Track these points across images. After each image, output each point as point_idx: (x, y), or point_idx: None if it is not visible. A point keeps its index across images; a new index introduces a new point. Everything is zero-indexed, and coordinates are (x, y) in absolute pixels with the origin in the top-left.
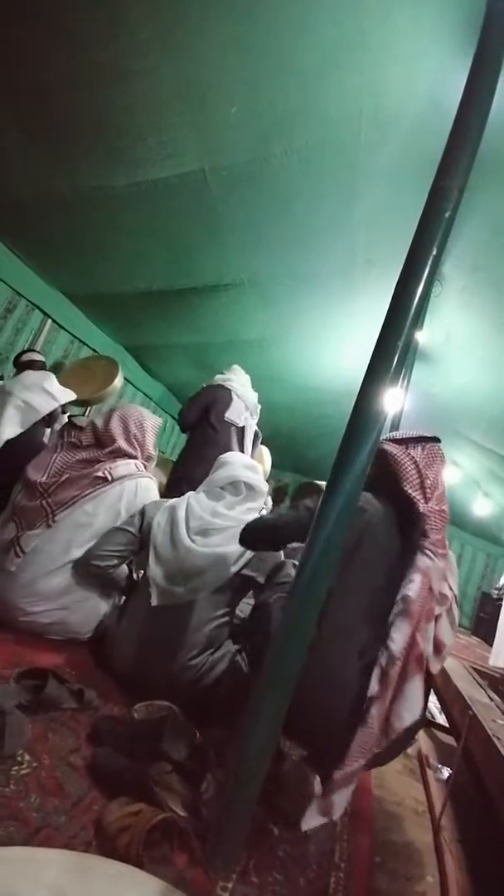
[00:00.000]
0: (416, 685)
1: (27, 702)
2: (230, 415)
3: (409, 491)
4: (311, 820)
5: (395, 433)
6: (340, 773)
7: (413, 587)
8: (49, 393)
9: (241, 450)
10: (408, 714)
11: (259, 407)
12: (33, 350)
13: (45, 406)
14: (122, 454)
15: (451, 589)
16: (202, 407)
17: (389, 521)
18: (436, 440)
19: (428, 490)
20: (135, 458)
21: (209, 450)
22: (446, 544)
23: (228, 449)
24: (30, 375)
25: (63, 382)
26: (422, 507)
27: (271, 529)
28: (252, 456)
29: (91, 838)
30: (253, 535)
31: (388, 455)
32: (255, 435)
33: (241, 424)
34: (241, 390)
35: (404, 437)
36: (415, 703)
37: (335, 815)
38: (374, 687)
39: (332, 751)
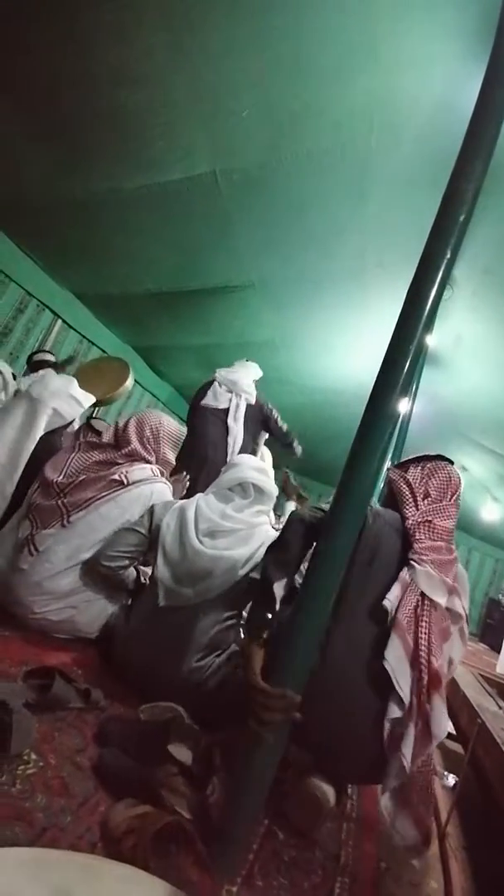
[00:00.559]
0: (437, 703)
1: (34, 701)
2: (206, 401)
3: (402, 508)
4: (394, 780)
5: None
6: (390, 805)
7: (391, 596)
8: (76, 399)
9: (226, 428)
10: (439, 731)
11: (246, 385)
12: (45, 350)
13: (71, 413)
14: (137, 457)
15: (462, 607)
16: (190, 405)
17: (396, 538)
18: (439, 458)
19: (418, 503)
20: (150, 462)
21: (187, 437)
22: (442, 550)
23: (203, 431)
24: (54, 380)
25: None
26: (410, 520)
27: (260, 591)
28: (254, 429)
29: (97, 839)
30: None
31: (390, 481)
32: (259, 409)
33: (222, 406)
34: (222, 374)
35: (407, 459)
36: (441, 722)
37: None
38: (393, 710)
39: (346, 762)
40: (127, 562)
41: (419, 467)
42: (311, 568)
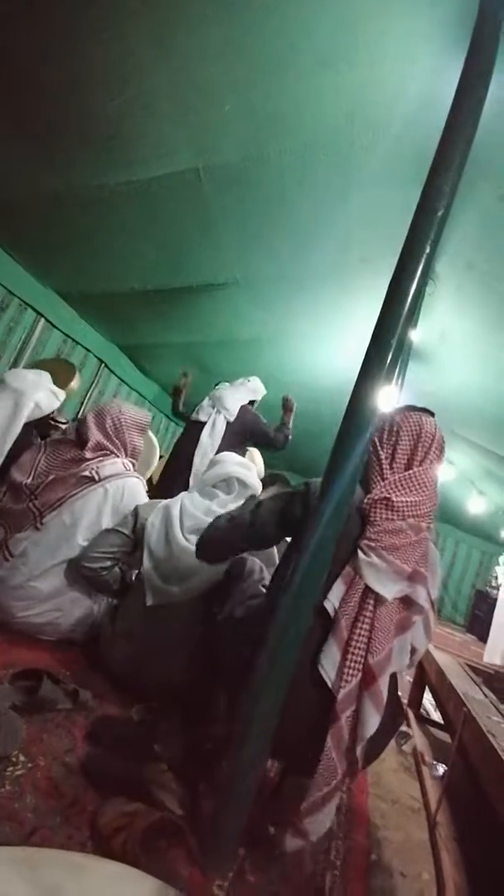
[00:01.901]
0: (367, 704)
1: (21, 703)
2: (195, 415)
3: (370, 482)
4: (292, 844)
5: None
6: (307, 802)
7: (332, 595)
8: (54, 393)
9: (199, 438)
10: (366, 731)
11: (228, 402)
12: None
13: (49, 406)
14: (104, 451)
15: (426, 595)
16: None
17: (357, 521)
18: (418, 410)
19: (384, 473)
20: (118, 455)
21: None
22: (403, 532)
23: (189, 443)
24: (30, 373)
25: None
26: (368, 498)
27: (217, 543)
28: (233, 440)
29: (87, 838)
30: (205, 551)
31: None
32: (241, 424)
33: (202, 419)
34: (216, 390)
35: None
36: (369, 720)
37: (313, 837)
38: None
39: (304, 763)
40: (110, 563)
41: (391, 423)
42: (292, 573)
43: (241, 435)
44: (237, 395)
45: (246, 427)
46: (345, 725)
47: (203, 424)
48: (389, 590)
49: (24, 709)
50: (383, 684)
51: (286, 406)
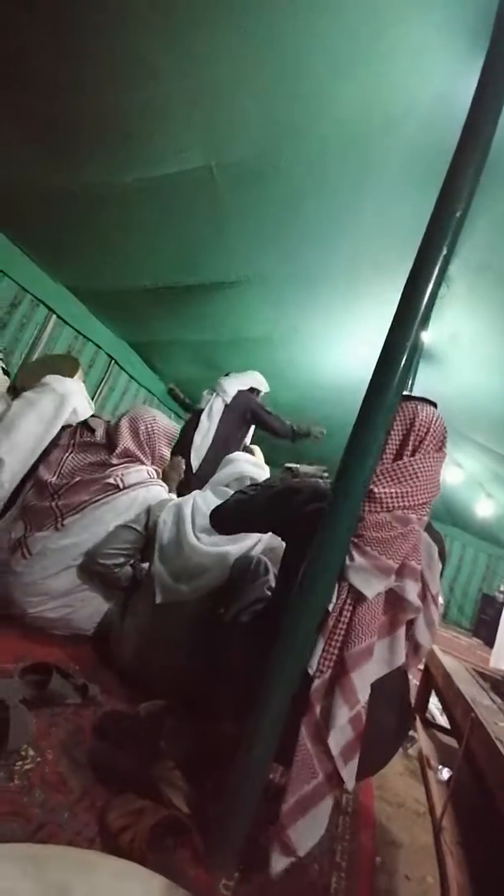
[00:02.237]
0: (336, 696)
1: (31, 697)
2: (198, 405)
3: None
4: (278, 863)
5: None
6: (286, 805)
7: (333, 597)
8: (89, 401)
9: (197, 425)
10: (332, 722)
11: (227, 386)
12: None
13: (84, 414)
14: (131, 457)
15: (429, 589)
16: None
17: None
18: (407, 397)
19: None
20: (144, 462)
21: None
22: (388, 525)
23: (191, 429)
24: (69, 380)
25: (26, 381)
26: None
27: (227, 513)
28: (233, 422)
29: (94, 835)
30: (222, 519)
31: None
32: (242, 403)
33: (202, 406)
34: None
35: None
36: (336, 712)
37: (301, 851)
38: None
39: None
40: (123, 559)
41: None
42: (296, 566)
43: (241, 418)
44: (236, 381)
45: (245, 409)
46: (319, 716)
47: (201, 411)
48: (373, 588)
49: (34, 703)
50: (358, 679)
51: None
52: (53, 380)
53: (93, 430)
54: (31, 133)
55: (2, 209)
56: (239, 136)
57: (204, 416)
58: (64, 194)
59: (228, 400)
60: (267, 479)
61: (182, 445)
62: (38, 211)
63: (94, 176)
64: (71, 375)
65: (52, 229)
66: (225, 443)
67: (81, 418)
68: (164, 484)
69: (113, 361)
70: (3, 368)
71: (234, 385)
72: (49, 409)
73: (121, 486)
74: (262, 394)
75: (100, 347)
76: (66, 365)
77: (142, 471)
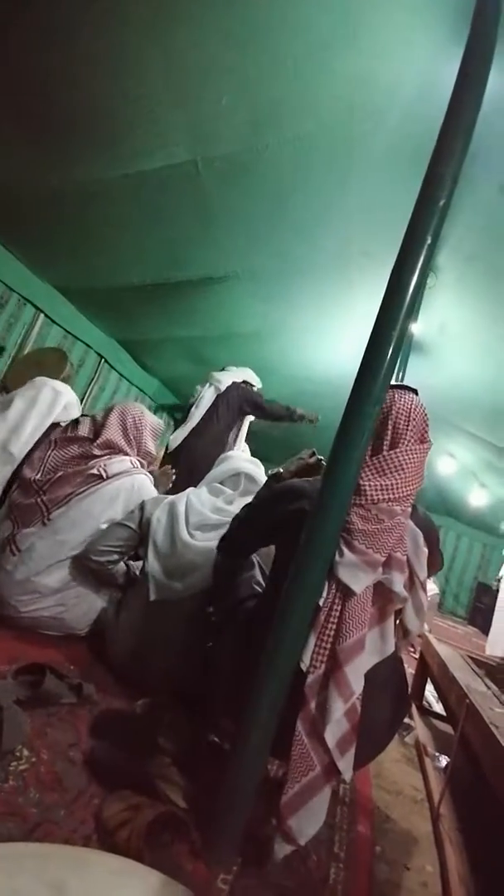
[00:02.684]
0: (332, 690)
1: (25, 697)
2: (190, 401)
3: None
4: (280, 850)
5: None
6: (286, 796)
7: (323, 592)
8: (77, 401)
9: (187, 417)
10: (328, 717)
11: (220, 376)
12: None
13: (74, 413)
14: (115, 449)
15: (416, 575)
16: None
17: None
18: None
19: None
20: (128, 454)
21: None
22: (375, 518)
23: (183, 429)
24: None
25: (17, 379)
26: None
27: (239, 539)
28: (229, 412)
29: (91, 832)
30: (229, 548)
31: None
32: (235, 391)
33: (191, 402)
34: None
35: None
36: (331, 706)
37: (301, 840)
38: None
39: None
40: (116, 556)
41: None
42: (288, 561)
43: (236, 407)
44: (229, 374)
45: (241, 400)
46: (314, 710)
47: (190, 405)
48: (361, 583)
49: (28, 703)
50: (351, 672)
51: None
52: (45, 379)
53: (76, 425)
54: (15, 130)
55: None
56: (223, 127)
57: (194, 407)
58: (50, 192)
59: (221, 388)
60: (256, 494)
61: (177, 449)
62: (24, 209)
63: (80, 173)
64: (61, 368)
65: (38, 227)
66: (218, 432)
67: (74, 415)
68: (148, 474)
69: (103, 360)
70: None
71: (226, 377)
72: (43, 401)
73: (104, 476)
74: (255, 388)
75: (89, 346)
76: (53, 357)
77: (125, 461)
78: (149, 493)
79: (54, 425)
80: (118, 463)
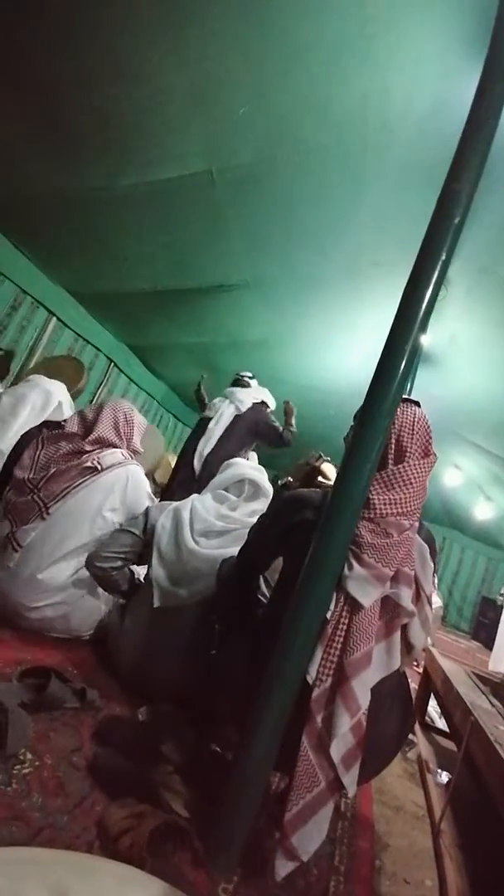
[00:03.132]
0: (338, 704)
1: (29, 701)
2: (207, 413)
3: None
4: (282, 868)
5: None
6: (290, 813)
7: (331, 605)
8: (70, 400)
9: (204, 432)
10: (335, 731)
11: (242, 395)
12: None
13: (68, 412)
14: (106, 444)
15: (422, 589)
16: None
17: None
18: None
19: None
20: (119, 447)
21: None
22: (384, 532)
23: (196, 439)
24: (54, 381)
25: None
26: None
27: (249, 557)
28: (242, 434)
29: (93, 839)
30: (243, 566)
31: None
32: (251, 415)
33: (211, 415)
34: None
35: None
36: (338, 721)
37: (304, 856)
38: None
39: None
40: (120, 563)
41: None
42: (301, 585)
43: (251, 430)
44: (250, 392)
45: (256, 422)
46: (320, 725)
47: (210, 419)
48: (370, 597)
49: (32, 707)
50: (358, 686)
51: (287, 410)
52: (38, 378)
53: (60, 425)
54: (33, 136)
55: (2, 211)
56: (238, 139)
57: (212, 424)
58: (65, 198)
59: (243, 409)
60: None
61: (186, 452)
62: (39, 213)
63: (95, 180)
64: (78, 379)
65: (53, 231)
66: (231, 450)
67: (65, 414)
68: (140, 464)
69: (112, 364)
70: None
71: (248, 395)
72: (36, 401)
73: (99, 467)
74: (269, 410)
75: (99, 350)
76: (73, 367)
77: (116, 453)
78: (143, 483)
79: (45, 423)
80: (110, 455)
